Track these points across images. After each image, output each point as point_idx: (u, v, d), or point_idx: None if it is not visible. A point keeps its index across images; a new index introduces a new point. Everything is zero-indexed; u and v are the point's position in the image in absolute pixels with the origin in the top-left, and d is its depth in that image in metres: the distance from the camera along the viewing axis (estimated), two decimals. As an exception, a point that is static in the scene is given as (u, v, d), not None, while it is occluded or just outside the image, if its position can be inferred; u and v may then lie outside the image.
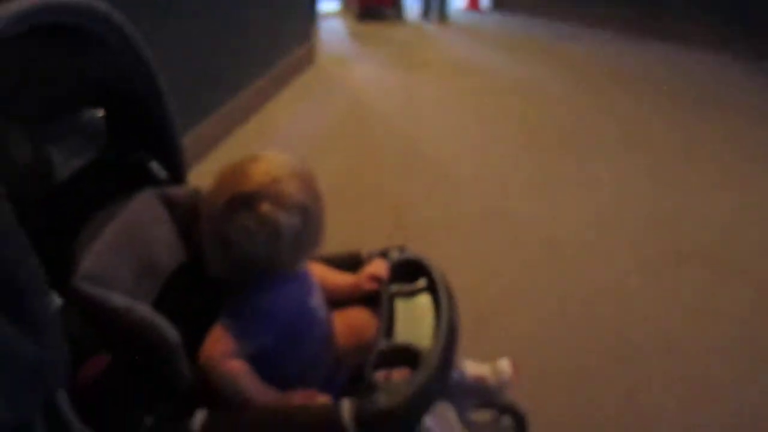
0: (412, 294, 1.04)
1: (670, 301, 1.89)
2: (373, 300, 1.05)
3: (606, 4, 5.72)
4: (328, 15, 7.10)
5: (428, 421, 0.86)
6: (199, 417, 0.81)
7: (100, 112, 0.95)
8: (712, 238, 2.23)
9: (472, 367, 1.11)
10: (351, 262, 1.13)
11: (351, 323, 1.06)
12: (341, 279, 1.10)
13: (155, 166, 1.06)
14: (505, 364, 1.12)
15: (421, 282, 1.05)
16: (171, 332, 0.81)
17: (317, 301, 1.02)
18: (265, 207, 0.87)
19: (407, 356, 0.89)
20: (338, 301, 1.09)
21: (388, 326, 0.97)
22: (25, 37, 0.76)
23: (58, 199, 0.86)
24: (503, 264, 2.09)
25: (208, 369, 0.87)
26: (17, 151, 0.76)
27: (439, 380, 0.86)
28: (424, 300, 1.03)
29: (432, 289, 1.03)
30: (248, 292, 0.93)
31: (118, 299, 0.80)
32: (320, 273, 1.08)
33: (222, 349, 0.88)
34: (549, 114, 3.64)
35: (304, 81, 4.38)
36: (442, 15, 6.68)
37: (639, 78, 4.28)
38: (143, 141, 1.03)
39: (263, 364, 0.92)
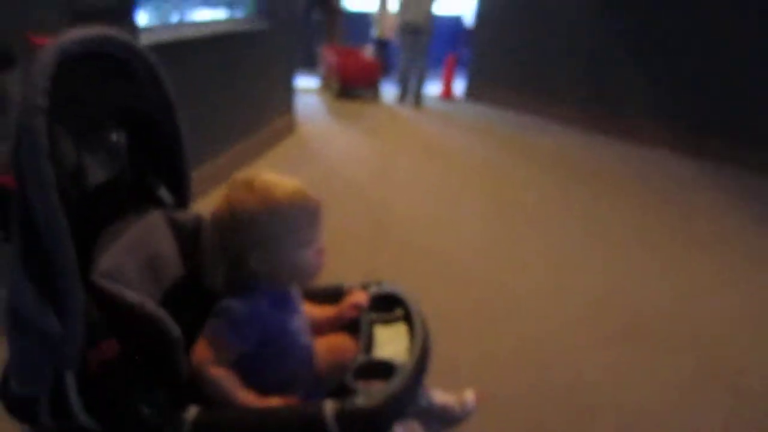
0: (390, 321, 1.15)
1: (620, 369, 2.02)
2: (354, 327, 1.15)
3: (573, 103, 6.16)
4: (309, 91, 7.42)
5: (398, 429, 0.95)
6: (192, 410, 0.89)
7: (124, 136, 1.07)
8: (657, 315, 2.41)
9: (439, 396, 1.20)
10: (334, 294, 1.24)
11: (332, 345, 1.15)
12: (327, 311, 1.20)
13: (163, 192, 1.17)
14: (469, 395, 1.21)
15: (398, 312, 1.16)
16: (174, 328, 0.90)
17: (300, 325, 1.11)
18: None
19: (384, 370, 0.98)
20: (323, 331, 1.19)
21: (367, 345, 1.07)
22: (79, 61, 0.89)
23: (82, 205, 0.95)
24: (467, 327, 2.21)
25: (197, 373, 0.95)
26: (65, 155, 0.86)
27: (411, 390, 0.96)
28: (401, 328, 1.13)
29: (408, 318, 1.13)
30: (230, 302, 1.01)
31: (131, 295, 0.89)
32: (308, 309, 1.18)
33: (206, 356, 0.97)
34: (512, 194, 3.88)
35: (285, 147, 4.58)
36: (417, 100, 7.00)
37: (597, 170, 4.60)
38: (156, 166, 1.15)
39: (247, 376, 1.00)
